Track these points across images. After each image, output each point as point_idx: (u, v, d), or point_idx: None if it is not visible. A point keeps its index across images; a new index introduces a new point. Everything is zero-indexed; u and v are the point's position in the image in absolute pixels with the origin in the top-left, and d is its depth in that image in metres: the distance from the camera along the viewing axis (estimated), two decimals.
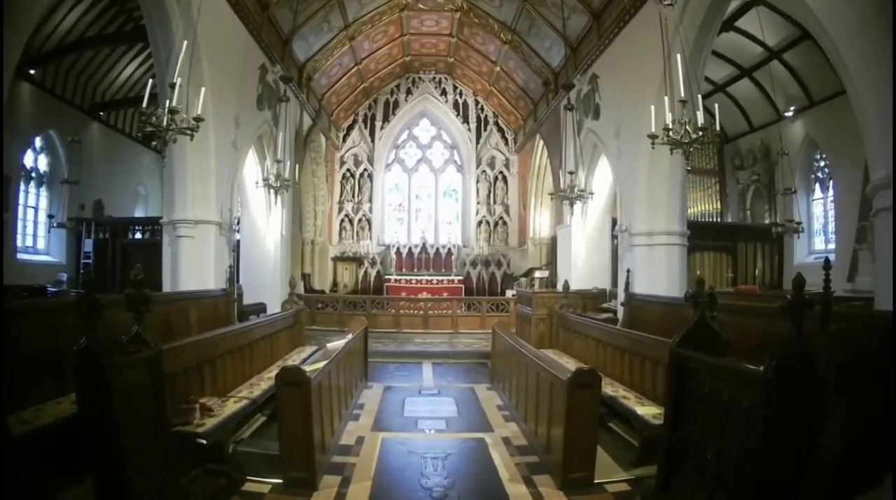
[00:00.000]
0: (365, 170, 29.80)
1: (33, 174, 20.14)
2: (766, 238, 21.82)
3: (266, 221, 18.27)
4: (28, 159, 19.72)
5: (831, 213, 21.07)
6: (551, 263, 24.38)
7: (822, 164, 21.51)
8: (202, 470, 6.35)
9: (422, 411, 9.82)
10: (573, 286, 14.98)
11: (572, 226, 19.27)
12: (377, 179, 30.00)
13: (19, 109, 17.97)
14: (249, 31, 15.23)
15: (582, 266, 19.01)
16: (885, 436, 3.80)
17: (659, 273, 13.39)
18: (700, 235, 17.66)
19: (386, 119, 29.98)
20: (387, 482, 6.49)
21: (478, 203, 30.25)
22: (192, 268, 12.81)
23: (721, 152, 24.85)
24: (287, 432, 6.32)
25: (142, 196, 26.07)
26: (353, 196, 29.59)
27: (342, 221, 29.45)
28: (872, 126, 7.37)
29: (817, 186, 21.96)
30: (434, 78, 29.95)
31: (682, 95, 8.99)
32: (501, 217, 30.22)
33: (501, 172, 30.31)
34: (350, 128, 29.77)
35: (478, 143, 30.27)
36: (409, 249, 29.19)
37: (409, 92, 30.03)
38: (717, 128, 9.97)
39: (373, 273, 28.63)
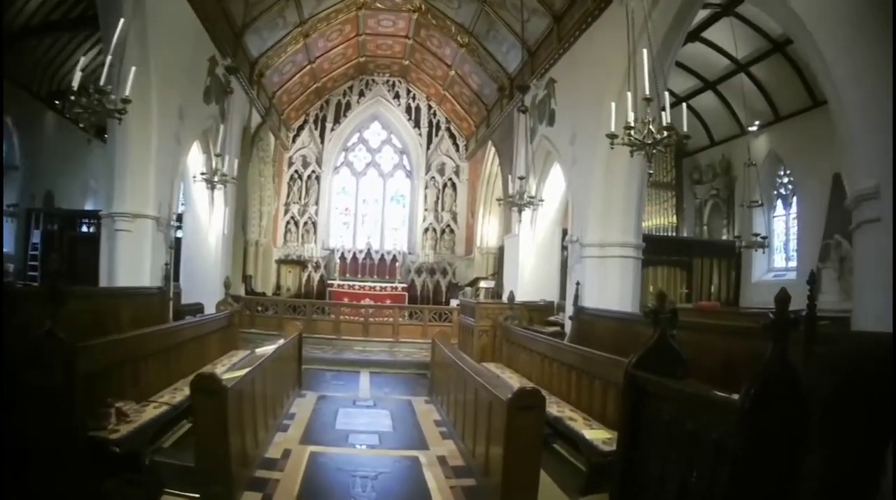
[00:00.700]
0: (313, 172, 29.32)
1: None
2: (723, 254, 21.78)
3: (209, 220, 17.70)
4: None
5: (793, 230, 20.87)
6: (497, 273, 24.12)
7: (786, 180, 21.32)
8: (120, 480, 5.86)
9: (355, 424, 9.39)
10: (519, 298, 14.78)
11: (520, 235, 18.90)
12: (325, 182, 29.51)
13: None
14: (201, 21, 14.61)
15: (529, 277, 18.69)
16: (873, 472, 3.51)
17: (611, 287, 12.98)
18: (654, 249, 17.29)
19: (337, 121, 29.52)
20: None
21: (425, 210, 29.91)
22: (128, 264, 12.23)
23: (679, 166, 24.72)
24: (203, 444, 5.81)
25: (92, 189, 25.23)
26: (300, 198, 29.09)
27: (288, 222, 28.88)
28: (857, 133, 6.93)
29: (779, 202, 21.74)
30: (388, 80, 29.60)
31: (647, 92, 8.44)
32: (448, 225, 29.92)
33: (451, 179, 30.04)
34: (301, 128, 29.24)
35: (428, 148, 29.98)
36: (354, 254, 28.90)
37: (361, 94, 29.64)
38: (684, 130, 9.58)
39: (316, 277, 28.26)
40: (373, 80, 29.51)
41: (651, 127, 8.61)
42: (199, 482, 5.80)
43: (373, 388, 12.66)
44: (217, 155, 16.14)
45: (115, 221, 12.22)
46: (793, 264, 20.59)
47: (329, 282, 27.82)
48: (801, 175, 19.97)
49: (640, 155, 9.10)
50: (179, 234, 16.42)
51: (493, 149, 24.24)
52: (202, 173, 15.76)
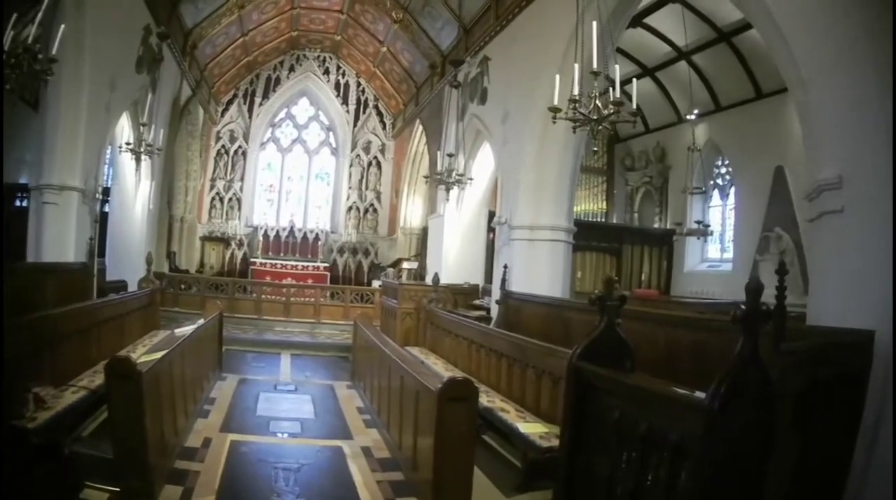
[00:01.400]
0: (240, 147, 28.62)
1: None
2: (655, 242, 21.88)
3: (135, 194, 17.09)
4: None
5: (730, 221, 20.82)
6: (421, 254, 23.89)
7: (724, 171, 21.26)
8: (39, 471, 5.32)
9: (277, 410, 8.98)
10: (444, 280, 14.61)
11: (446, 216, 18.64)
12: (251, 158, 28.91)
13: None
14: None
15: (454, 259, 18.43)
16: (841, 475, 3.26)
17: (540, 271, 12.67)
18: (584, 235, 16.98)
19: (266, 96, 28.91)
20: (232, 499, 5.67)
21: (349, 188, 29.71)
22: (55, 238, 11.88)
23: (611, 151, 24.75)
24: (119, 433, 5.27)
25: (28, 163, 24.13)
26: (226, 174, 28.41)
27: (213, 199, 28.19)
28: (820, 122, 6.54)
29: (716, 191, 21.66)
30: (319, 56, 29.11)
31: (595, 65, 8.09)
32: (372, 204, 29.81)
33: (376, 158, 29.86)
34: (230, 103, 28.47)
35: (355, 125, 29.66)
36: (277, 232, 28.43)
37: (292, 69, 29.13)
38: (634, 107, 9.19)
39: (239, 255, 27.73)
40: (304, 56, 29.05)
41: (597, 102, 8.24)
42: (117, 474, 5.27)
43: (294, 371, 12.29)
44: (143, 124, 15.40)
45: (43, 194, 11.98)
46: (728, 255, 20.67)
47: (252, 260, 27.34)
48: (740, 166, 19.95)
49: (576, 135, 8.73)
50: (107, 208, 16.09)
51: (420, 127, 24.05)
52: (127, 144, 15.13)
